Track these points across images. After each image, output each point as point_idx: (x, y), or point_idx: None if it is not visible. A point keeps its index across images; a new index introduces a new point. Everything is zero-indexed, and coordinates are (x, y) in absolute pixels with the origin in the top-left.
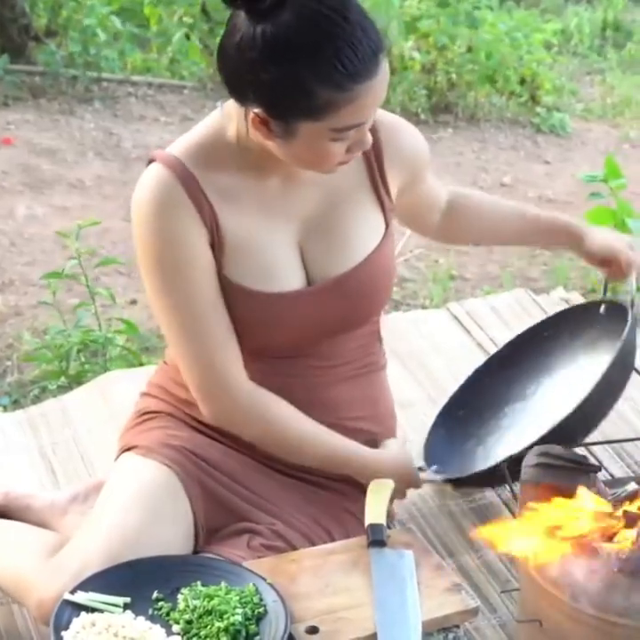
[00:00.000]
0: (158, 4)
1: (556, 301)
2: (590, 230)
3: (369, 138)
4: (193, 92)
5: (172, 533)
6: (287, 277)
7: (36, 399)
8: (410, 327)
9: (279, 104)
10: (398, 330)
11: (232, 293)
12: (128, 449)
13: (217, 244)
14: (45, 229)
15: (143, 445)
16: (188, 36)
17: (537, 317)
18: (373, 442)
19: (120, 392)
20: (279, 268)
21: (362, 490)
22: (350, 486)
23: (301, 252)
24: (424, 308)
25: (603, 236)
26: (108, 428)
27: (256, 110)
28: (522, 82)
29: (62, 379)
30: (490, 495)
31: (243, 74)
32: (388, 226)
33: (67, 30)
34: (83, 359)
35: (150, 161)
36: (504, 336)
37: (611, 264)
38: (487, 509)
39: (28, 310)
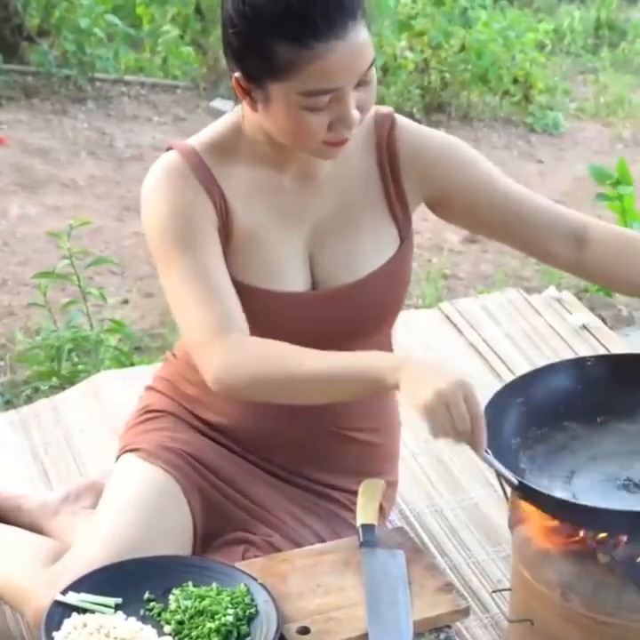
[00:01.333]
0: (151, 4)
1: (547, 301)
2: None
3: (353, 116)
4: (186, 91)
5: (171, 541)
6: (291, 278)
7: (28, 399)
8: (402, 327)
9: (246, 62)
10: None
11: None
12: (128, 450)
13: (224, 234)
14: (38, 229)
15: (144, 448)
16: (181, 36)
17: (529, 317)
18: (377, 453)
19: (112, 392)
20: (283, 268)
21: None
22: (352, 495)
23: (310, 254)
24: (417, 307)
25: None
26: (100, 427)
27: (235, 74)
28: (515, 81)
29: (54, 379)
30: (481, 495)
31: (223, 34)
32: (402, 240)
33: (59, 30)
34: (75, 359)
35: (168, 149)
36: (496, 335)
37: None
38: (479, 509)
39: (21, 310)
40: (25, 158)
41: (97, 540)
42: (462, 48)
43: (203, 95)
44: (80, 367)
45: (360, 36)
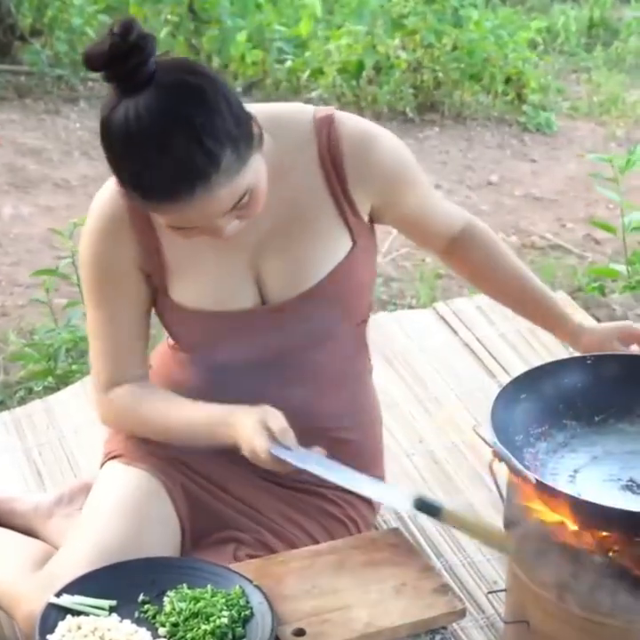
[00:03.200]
0: (144, 4)
1: None
2: (585, 330)
3: (226, 233)
4: None
5: (159, 541)
6: (237, 297)
7: (22, 400)
8: (396, 327)
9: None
10: (384, 329)
11: (181, 315)
12: (112, 457)
13: (159, 269)
14: (31, 229)
15: (126, 453)
16: (173, 35)
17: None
18: (356, 450)
19: None
20: (228, 288)
21: (347, 492)
22: (335, 490)
23: (256, 271)
24: (411, 307)
25: (600, 330)
26: (94, 428)
27: None
28: (508, 80)
29: (49, 379)
30: (476, 495)
31: None
32: (354, 244)
33: (52, 30)
34: (70, 359)
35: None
36: (490, 335)
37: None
38: (474, 509)
39: (15, 310)
40: (18, 158)
41: (83, 543)
42: (454, 47)
43: None
44: (74, 367)
45: (214, 194)
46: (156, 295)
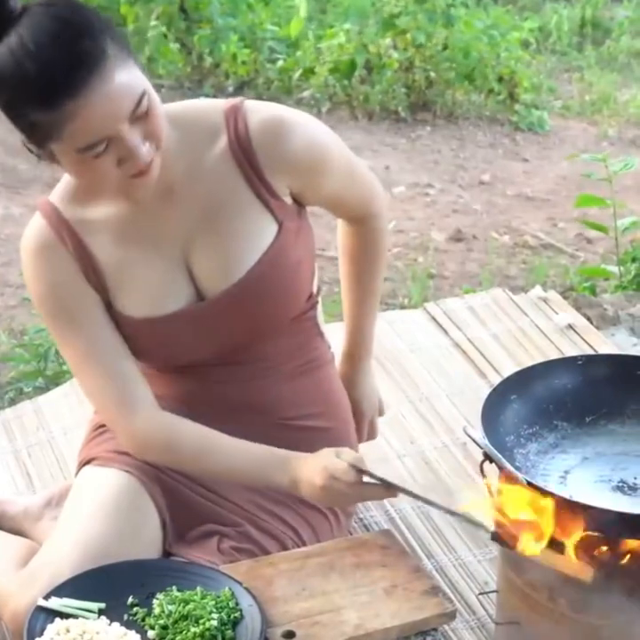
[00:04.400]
0: (135, 3)
1: (533, 301)
2: (350, 384)
3: (139, 150)
4: (170, 90)
5: (139, 538)
6: (174, 298)
7: (12, 402)
8: (387, 327)
9: (17, 127)
10: (375, 330)
11: (127, 325)
12: (86, 463)
13: (98, 284)
14: (22, 230)
15: (100, 456)
16: (165, 35)
17: (514, 317)
18: (328, 437)
19: None
20: (164, 291)
21: None
22: None
23: (188, 269)
24: (403, 307)
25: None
26: (84, 429)
27: (22, 137)
28: (500, 80)
29: (39, 379)
30: (468, 496)
31: None
32: (281, 225)
33: None
34: (61, 360)
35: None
36: (481, 335)
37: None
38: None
39: (5, 311)
40: (8, 158)
41: (64, 541)
42: (445, 46)
43: (187, 94)
44: (65, 368)
45: (113, 83)
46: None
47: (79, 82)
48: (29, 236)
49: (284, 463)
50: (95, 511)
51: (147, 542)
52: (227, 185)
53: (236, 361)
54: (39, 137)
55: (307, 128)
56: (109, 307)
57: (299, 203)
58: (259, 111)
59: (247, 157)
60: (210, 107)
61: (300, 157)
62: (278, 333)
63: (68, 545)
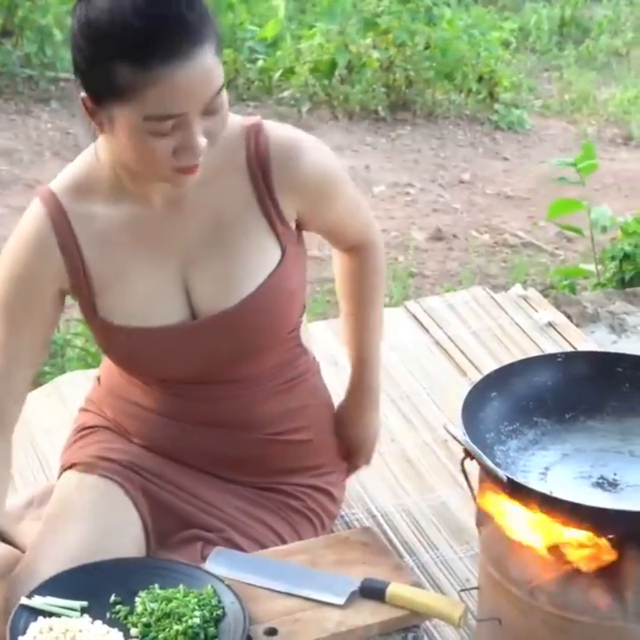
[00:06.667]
0: None
1: (513, 299)
2: (343, 419)
3: (198, 143)
4: None
5: (122, 544)
6: (167, 312)
7: None
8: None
9: (90, 82)
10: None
11: (110, 334)
12: (69, 467)
13: (83, 287)
14: (2, 231)
15: (83, 461)
16: None
17: (495, 315)
18: (310, 449)
19: (78, 393)
20: (157, 302)
21: (309, 486)
22: (297, 486)
23: (185, 283)
24: (384, 305)
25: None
26: (66, 429)
27: (82, 94)
28: (480, 79)
29: None
30: (448, 493)
31: (71, 52)
32: (284, 252)
33: (23, 30)
34: None
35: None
36: (462, 334)
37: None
38: (446, 507)
39: None
40: None
41: (45, 550)
42: (427, 46)
43: None
44: (46, 368)
45: (206, 62)
46: (85, 316)
47: (180, 49)
48: (31, 219)
49: None
50: (77, 518)
51: (129, 549)
52: (238, 201)
53: (218, 379)
54: (112, 95)
55: (319, 152)
56: (91, 311)
57: (300, 227)
58: (276, 132)
59: (263, 175)
60: (230, 120)
61: (313, 179)
62: (263, 355)
63: (49, 557)
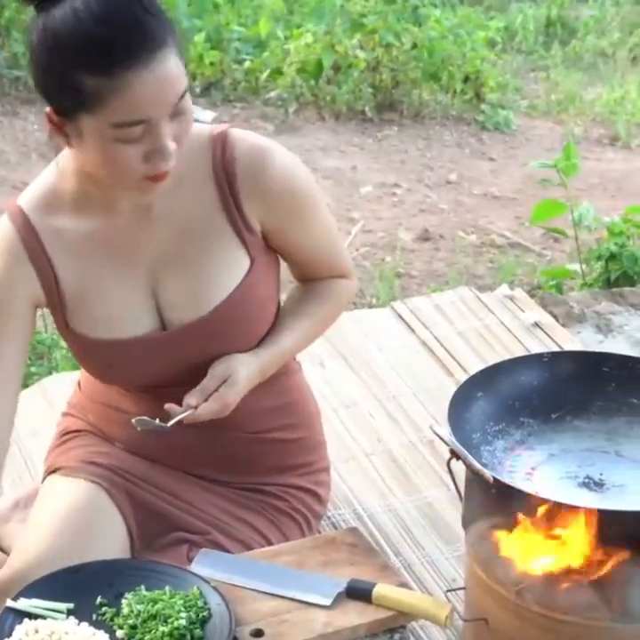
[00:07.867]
0: None
1: (500, 299)
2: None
3: (168, 146)
4: None
5: (106, 548)
6: (136, 323)
7: None
8: (353, 326)
9: (55, 96)
10: (342, 329)
11: (83, 345)
12: (53, 471)
13: (57, 301)
14: None
15: (67, 466)
16: None
17: (481, 315)
18: (297, 447)
19: (64, 395)
20: (125, 314)
21: (295, 487)
22: (282, 486)
23: (154, 294)
24: (370, 306)
25: None
26: (52, 431)
27: (47, 109)
28: (466, 79)
29: None
30: (435, 494)
31: (30, 67)
32: (253, 260)
33: (10, 31)
34: (29, 361)
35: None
36: (448, 334)
37: None
38: (433, 508)
39: None
40: None
41: (29, 554)
42: (414, 46)
43: None
44: (33, 369)
45: (169, 65)
46: (59, 328)
47: (142, 54)
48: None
49: None
50: (62, 522)
51: (114, 552)
52: (205, 210)
53: (197, 381)
54: (78, 104)
55: (290, 160)
56: (63, 324)
57: (269, 244)
58: (245, 138)
59: (229, 183)
60: (197, 128)
61: (281, 186)
62: None
63: (33, 562)
